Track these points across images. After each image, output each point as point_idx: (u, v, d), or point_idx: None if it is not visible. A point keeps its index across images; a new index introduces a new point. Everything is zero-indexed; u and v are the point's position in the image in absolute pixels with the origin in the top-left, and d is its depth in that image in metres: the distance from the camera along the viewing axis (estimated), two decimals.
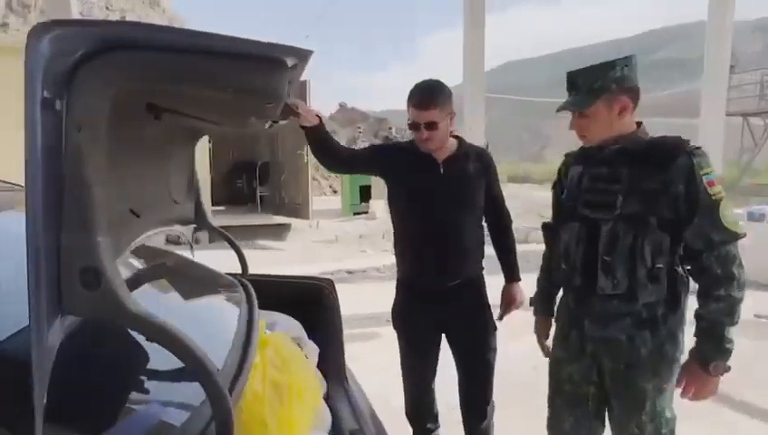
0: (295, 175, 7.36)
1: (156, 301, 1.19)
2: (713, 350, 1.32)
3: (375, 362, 3.16)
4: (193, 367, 0.66)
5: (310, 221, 7.78)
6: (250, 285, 1.65)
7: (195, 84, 0.69)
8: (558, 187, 1.64)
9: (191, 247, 1.77)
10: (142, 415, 0.74)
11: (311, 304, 1.77)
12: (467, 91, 3.84)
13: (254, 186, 8.71)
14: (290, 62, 0.71)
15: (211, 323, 1.23)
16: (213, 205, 8.51)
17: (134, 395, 0.76)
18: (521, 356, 3.29)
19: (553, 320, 1.69)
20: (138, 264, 1.38)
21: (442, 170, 1.79)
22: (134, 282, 1.24)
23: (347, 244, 7.53)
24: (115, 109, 0.72)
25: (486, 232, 1.94)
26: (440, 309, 1.83)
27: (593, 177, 1.45)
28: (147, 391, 0.80)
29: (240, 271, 1.78)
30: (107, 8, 19.98)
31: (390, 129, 10.31)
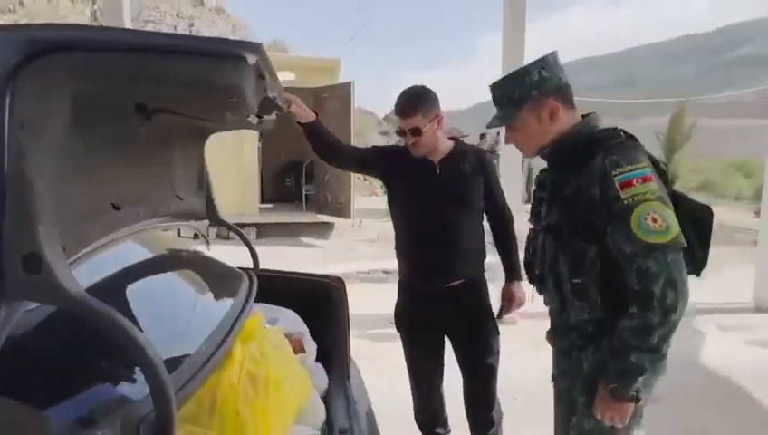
0: (338, 174, 7.48)
1: (151, 289, 1.26)
2: (613, 371, 1.19)
3: (394, 362, 3.15)
4: (134, 354, 0.68)
5: (352, 220, 7.88)
6: (255, 279, 1.69)
7: (141, 82, 0.72)
8: None
9: (206, 242, 1.84)
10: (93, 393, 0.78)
11: (319, 301, 1.79)
12: None
13: (300, 184, 8.94)
14: (236, 56, 0.73)
15: (199, 311, 1.28)
16: (262, 202, 8.83)
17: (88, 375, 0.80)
18: (542, 365, 3.16)
19: None
20: (147, 254, 1.46)
21: (438, 171, 1.81)
22: (138, 271, 1.32)
23: (388, 244, 7.54)
24: (87, 108, 0.77)
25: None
26: (441, 310, 1.84)
27: (536, 183, 1.44)
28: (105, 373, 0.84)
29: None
30: (177, 16, 21.20)
31: (460, 131, 10.20)
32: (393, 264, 5.90)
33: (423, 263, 1.83)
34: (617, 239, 1.15)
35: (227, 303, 1.32)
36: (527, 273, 1.49)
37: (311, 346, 1.63)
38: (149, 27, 18.84)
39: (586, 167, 1.19)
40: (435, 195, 1.79)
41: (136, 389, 0.77)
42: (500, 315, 1.93)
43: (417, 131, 1.74)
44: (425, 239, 1.81)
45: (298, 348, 1.58)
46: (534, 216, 1.40)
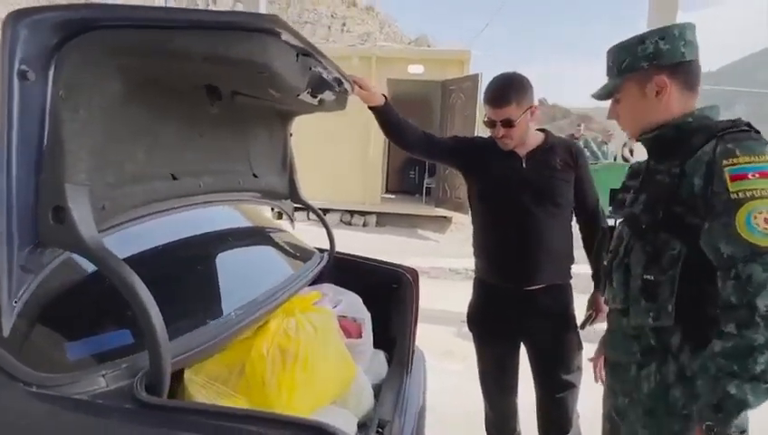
0: None
1: (210, 254, 1.37)
2: (706, 406, 0.98)
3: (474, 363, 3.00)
4: (136, 308, 0.75)
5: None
6: (323, 260, 1.75)
7: (166, 56, 0.78)
8: None
9: (291, 221, 1.94)
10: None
11: (389, 289, 1.78)
12: None
13: (423, 177, 9.01)
14: (255, 28, 0.75)
15: (249, 279, 1.36)
16: (386, 192, 9.11)
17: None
18: None
19: None
20: (224, 222, 1.60)
21: (524, 164, 1.67)
22: (207, 237, 1.45)
23: None
24: (147, 84, 0.86)
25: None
26: (517, 314, 1.71)
27: (629, 172, 1.32)
28: None
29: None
30: (332, 16, 22.84)
31: (579, 126, 9.38)
32: None
33: (501, 263, 1.71)
34: (714, 238, 0.99)
35: (281, 276, 1.38)
36: (592, 266, 1.41)
37: (368, 333, 1.63)
38: (308, 27, 20.72)
39: (691, 154, 1.05)
40: (519, 190, 1.65)
41: None
42: (584, 325, 1.74)
43: (508, 123, 1.60)
44: (505, 238, 1.68)
45: (354, 333, 1.59)
46: (618, 204, 1.28)
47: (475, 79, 6.93)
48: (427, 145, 1.82)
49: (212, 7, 19.10)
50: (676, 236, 1.06)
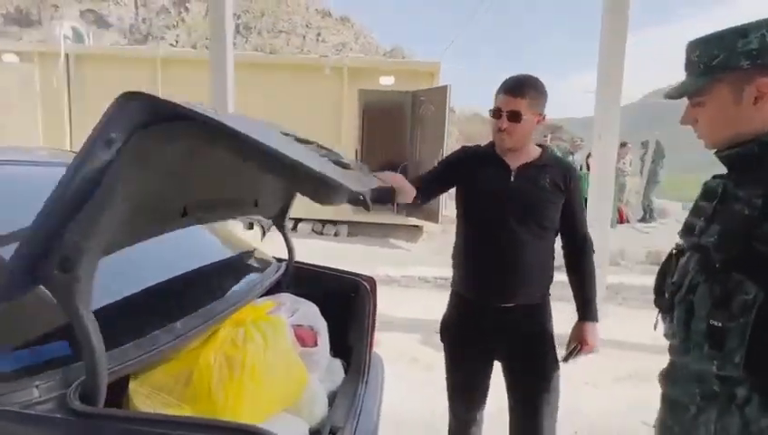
0: None
1: (165, 263, 1.39)
2: None
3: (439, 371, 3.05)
4: (71, 318, 0.76)
5: (442, 226, 7.80)
6: (282, 269, 1.76)
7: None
8: None
9: (263, 233, 1.95)
10: None
11: (347, 298, 1.81)
12: (600, 97, 3.41)
13: None
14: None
15: (203, 289, 1.37)
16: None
17: None
18: (625, 403, 2.82)
19: None
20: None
21: (513, 178, 1.61)
22: (172, 247, 1.46)
23: None
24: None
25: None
26: (495, 331, 1.67)
27: (703, 192, 1.09)
28: None
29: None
30: (307, 26, 22.84)
31: (546, 136, 9.64)
32: None
33: (479, 278, 1.66)
34: None
35: (234, 286, 1.40)
36: (656, 294, 1.22)
37: (324, 341, 1.65)
38: (282, 37, 20.68)
39: None
40: (504, 205, 1.60)
41: None
42: (566, 359, 1.70)
43: (516, 116, 1.53)
44: (485, 252, 1.64)
45: (310, 341, 1.61)
46: (687, 230, 1.10)
47: (444, 91, 7.07)
48: (424, 192, 1.73)
49: (183, 14, 18.87)
50: (751, 278, 0.90)
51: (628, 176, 9.05)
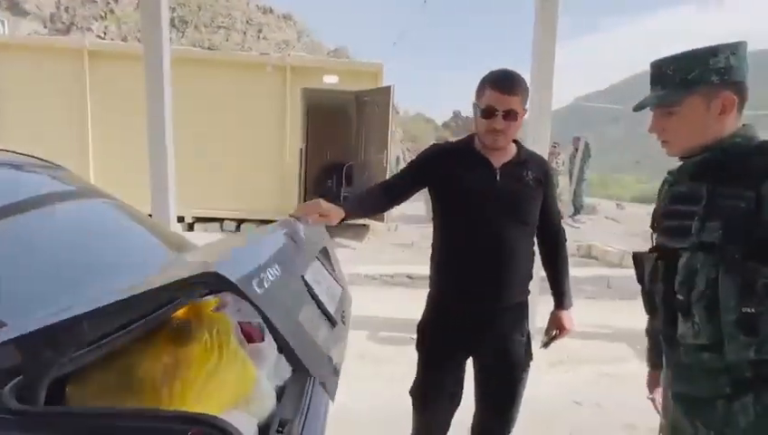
0: (375, 177, 7.54)
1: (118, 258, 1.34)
2: None
3: (403, 368, 3.13)
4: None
5: (388, 224, 7.90)
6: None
7: None
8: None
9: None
10: None
11: None
12: (535, 100, 3.60)
13: (341, 186, 9.10)
14: None
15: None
16: (303, 202, 9.04)
17: None
18: (561, 387, 3.02)
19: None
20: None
21: (498, 177, 1.57)
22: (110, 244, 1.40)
23: (422, 249, 7.51)
24: None
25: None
26: (476, 333, 1.64)
27: (674, 196, 1.20)
28: None
29: None
30: (247, 22, 22.19)
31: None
32: (418, 269, 5.84)
33: (464, 280, 1.61)
34: None
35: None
36: (647, 301, 1.26)
37: (271, 337, 1.65)
38: (221, 33, 19.96)
39: (765, 176, 1.01)
40: (490, 205, 1.55)
41: None
42: (547, 344, 1.79)
43: (513, 115, 1.49)
44: (473, 256, 1.58)
45: (257, 337, 1.61)
46: (678, 232, 1.14)
47: (388, 91, 7.18)
48: (391, 198, 1.67)
49: (112, 5, 17.75)
50: (763, 263, 1.00)
51: (560, 175, 9.62)
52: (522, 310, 1.68)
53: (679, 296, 1.11)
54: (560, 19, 3.60)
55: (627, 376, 3.06)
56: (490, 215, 1.56)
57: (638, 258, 1.32)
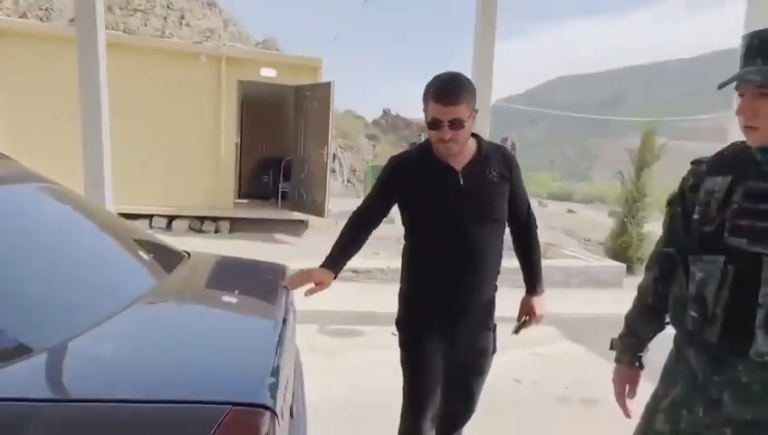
0: (315, 173, 7.52)
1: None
2: None
3: (349, 359, 3.22)
4: None
5: (327, 219, 7.91)
6: (187, 257, 1.72)
7: None
8: (679, 203, 1.21)
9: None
10: None
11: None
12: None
13: (278, 181, 8.97)
14: None
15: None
16: (238, 198, 8.81)
17: None
18: (501, 366, 3.25)
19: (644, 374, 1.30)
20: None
21: (462, 181, 1.55)
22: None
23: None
24: None
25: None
26: (447, 331, 1.65)
27: (753, 193, 1.02)
28: None
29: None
30: (168, 6, 20.92)
31: (420, 136, 10.27)
32: (363, 264, 5.92)
33: (439, 289, 1.61)
34: None
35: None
36: (700, 307, 1.07)
37: None
38: (138, 16, 18.65)
39: None
40: (459, 211, 1.54)
41: None
42: (518, 330, 1.77)
43: (458, 123, 1.46)
44: (444, 264, 1.58)
45: None
46: (757, 234, 1.01)
47: (328, 86, 7.17)
48: (368, 227, 1.65)
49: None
50: None
51: None
52: (490, 305, 1.70)
53: (763, 313, 0.97)
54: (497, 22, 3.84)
55: (557, 356, 3.34)
56: (458, 220, 1.54)
57: (666, 259, 1.20)
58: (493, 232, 1.60)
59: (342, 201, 9.60)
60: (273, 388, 0.89)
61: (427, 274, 1.63)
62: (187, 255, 1.73)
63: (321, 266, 1.56)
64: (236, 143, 8.05)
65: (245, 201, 8.85)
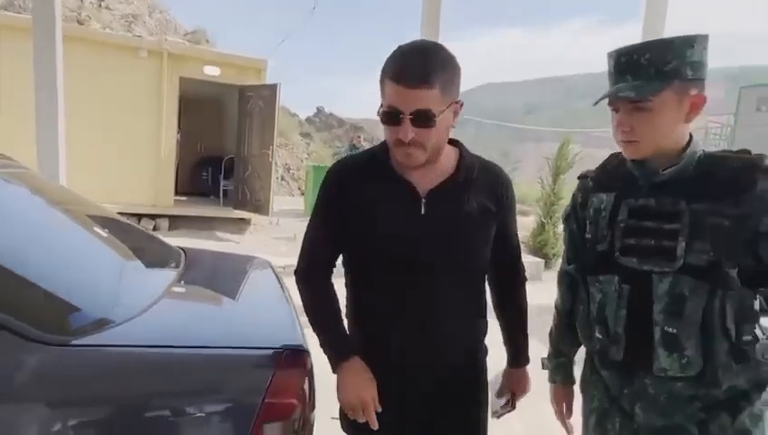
0: (259, 172, 7.67)
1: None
2: None
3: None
4: None
5: (270, 218, 8.07)
6: (182, 253, 1.96)
7: None
8: (574, 220, 1.19)
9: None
10: None
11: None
12: None
13: (218, 179, 8.96)
14: None
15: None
16: (177, 195, 8.68)
17: None
18: None
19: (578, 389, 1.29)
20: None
21: (423, 209, 1.10)
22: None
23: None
24: None
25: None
26: (418, 413, 1.19)
27: (635, 211, 1.03)
28: None
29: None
30: None
31: (359, 137, 10.60)
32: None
33: (397, 357, 1.14)
34: None
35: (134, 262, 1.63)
36: (603, 328, 1.06)
37: None
38: None
39: (749, 193, 0.93)
40: (413, 251, 1.09)
41: None
42: (500, 415, 1.36)
43: (425, 118, 1.00)
44: (391, 321, 1.13)
45: None
46: (645, 252, 1.00)
47: (273, 88, 7.34)
48: (330, 263, 1.23)
49: None
50: (750, 285, 0.94)
51: None
52: (476, 369, 1.26)
53: (668, 329, 0.97)
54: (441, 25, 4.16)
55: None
56: (413, 262, 1.09)
57: (568, 278, 1.18)
58: (465, 283, 1.16)
59: (277, 199, 9.73)
60: (304, 339, 1.25)
61: (371, 331, 1.17)
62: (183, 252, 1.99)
63: (339, 361, 1.12)
64: (177, 140, 7.96)
65: (184, 198, 8.75)
